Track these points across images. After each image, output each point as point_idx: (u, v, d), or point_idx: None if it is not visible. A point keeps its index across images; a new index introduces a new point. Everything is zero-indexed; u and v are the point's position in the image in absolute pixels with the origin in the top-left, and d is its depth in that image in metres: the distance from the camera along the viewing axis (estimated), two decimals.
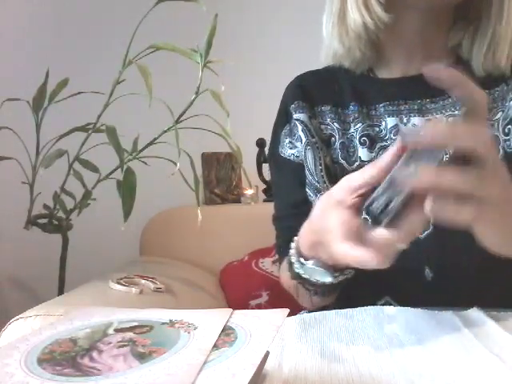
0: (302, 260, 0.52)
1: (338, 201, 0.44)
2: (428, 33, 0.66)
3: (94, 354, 0.31)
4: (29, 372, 0.29)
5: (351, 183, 0.43)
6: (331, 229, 0.43)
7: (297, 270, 0.52)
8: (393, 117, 0.67)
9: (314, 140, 0.69)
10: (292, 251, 0.54)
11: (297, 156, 0.71)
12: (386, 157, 0.40)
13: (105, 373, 0.29)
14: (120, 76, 1.20)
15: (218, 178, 1.68)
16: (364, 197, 0.43)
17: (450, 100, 0.66)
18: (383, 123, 0.68)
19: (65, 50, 1.82)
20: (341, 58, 0.71)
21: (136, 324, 0.37)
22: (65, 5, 1.85)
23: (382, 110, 0.68)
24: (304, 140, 0.69)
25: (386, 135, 0.67)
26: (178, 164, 1.07)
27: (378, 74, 0.72)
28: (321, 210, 0.46)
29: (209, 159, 1.68)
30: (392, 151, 0.40)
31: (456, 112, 0.65)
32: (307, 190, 0.69)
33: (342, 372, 0.37)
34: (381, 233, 0.40)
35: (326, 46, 0.72)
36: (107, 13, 1.84)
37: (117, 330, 0.35)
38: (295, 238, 0.54)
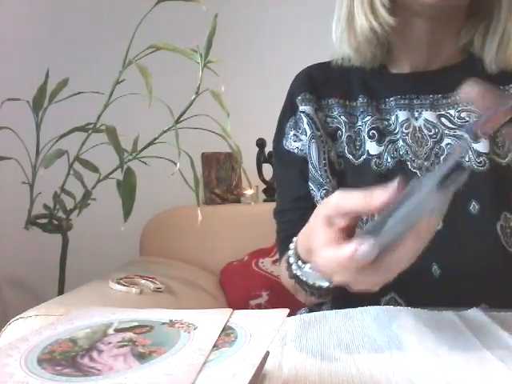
0: (299, 263, 0.52)
1: (326, 218, 0.42)
2: (437, 35, 0.66)
3: (94, 354, 0.31)
4: (29, 372, 0.29)
5: (342, 205, 0.41)
6: (316, 245, 0.41)
7: (294, 271, 0.52)
8: (404, 110, 0.67)
9: (318, 133, 0.69)
10: (290, 252, 0.54)
11: (301, 149, 0.71)
12: (383, 194, 0.37)
13: (105, 373, 0.29)
14: (120, 76, 1.21)
15: (218, 178, 1.68)
16: (352, 222, 0.41)
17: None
18: (393, 117, 0.68)
19: (65, 50, 1.82)
20: (352, 60, 0.71)
21: (136, 324, 0.37)
22: (65, 5, 1.85)
23: (393, 103, 0.68)
24: (309, 133, 0.69)
25: (395, 129, 0.67)
26: (178, 164, 1.07)
27: (389, 69, 0.72)
28: (312, 221, 0.45)
29: (209, 159, 1.68)
30: (390, 191, 0.37)
31: (468, 107, 0.65)
32: (310, 184, 0.69)
33: (342, 372, 0.37)
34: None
35: (336, 50, 0.72)
36: (107, 13, 1.84)
37: (117, 330, 0.35)
38: (294, 238, 0.54)
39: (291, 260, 0.53)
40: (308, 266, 0.50)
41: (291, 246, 0.54)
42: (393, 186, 0.37)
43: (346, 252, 0.37)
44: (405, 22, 0.65)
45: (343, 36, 0.69)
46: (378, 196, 0.37)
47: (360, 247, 0.36)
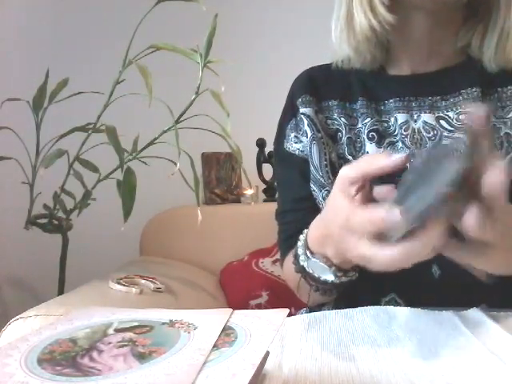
0: (308, 253, 0.52)
1: (341, 191, 0.44)
2: (437, 33, 0.66)
3: (94, 354, 0.31)
4: (29, 372, 0.29)
5: (350, 175, 0.43)
6: (345, 211, 0.42)
7: (302, 263, 0.53)
8: (403, 113, 0.67)
9: (319, 135, 0.69)
10: (300, 243, 0.54)
11: (302, 151, 0.71)
12: (389, 161, 0.40)
13: (105, 373, 0.29)
14: (120, 76, 1.20)
15: (218, 178, 1.68)
16: (364, 190, 0.43)
17: (460, 98, 0.66)
18: (392, 119, 0.68)
19: (65, 50, 1.82)
20: (352, 63, 0.71)
21: (136, 324, 0.37)
22: (65, 5, 1.85)
23: (392, 105, 0.68)
24: (310, 134, 0.69)
25: (395, 131, 0.67)
26: (178, 164, 1.07)
27: (388, 71, 0.72)
28: (329, 204, 0.47)
29: (209, 159, 1.68)
30: (397, 159, 0.40)
31: (467, 109, 0.65)
32: (312, 185, 0.69)
33: (342, 372, 0.37)
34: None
35: (336, 51, 0.72)
36: (107, 13, 1.84)
37: (117, 330, 0.35)
38: (305, 230, 0.54)
39: (299, 251, 0.53)
40: (316, 257, 0.51)
41: (301, 237, 0.54)
42: (399, 156, 0.39)
43: (381, 212, 0.38)
44: (404, 19, 0.65)
45: (343, 35, 0.69)
46: (382, 158, 0.40)
47: (393, 211, 0.37)
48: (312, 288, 0.56)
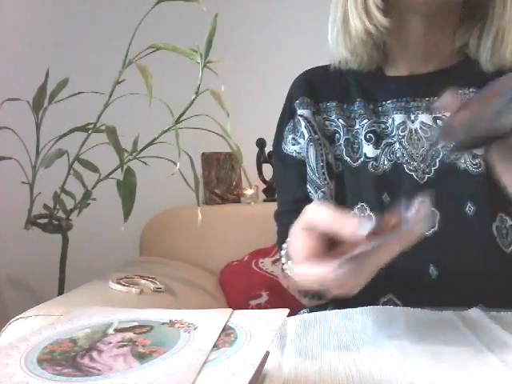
0: (289, 263, 0.52)
1: (306, 225, 0.42)
2: (433, 34, 0.66)
3: (94, 354, 0.31)
4: (29, 372, 0.29)
5: (314, 221, 0.41)
6: (295, 252, 0.42)
7: (286, 272, 0.53)
8: (400, 113, 0.67)
9: (316, 136, 0.69)
10: (283, 252, 0.54)
11: (299, 152, 0.71)
12: (356, 227, 0.36)
13: (105, 373, 0.29)
14: (120, 76, 1.20)
15: (218, 178, 1.68)
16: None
17: None
18: (389, 120, 0.68)
19: (65, 50, 1.82)
20: (349, 63, 0.71)
21: (136, 324, 0.37)
22: (65, 5, 1.85)
23: (390, 106, 0.68)
24: (307, 136, 0.69)
25: (392, 132, 0.67)
26: (178, 164, 1.07)
27: (385, 72, 0.72)
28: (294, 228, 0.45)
29: (209, 159, 1.68)
30: (361, 234, 0.36)
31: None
32: (308, 186, 0.69)
33: (342, 372, 0.37)
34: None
35: (333, 52, 0.72)
36: (107, 13, 1.84)
37: (117, 330, 0.35)
38: (288, 239, 0.54)
39: (283, 260, 0.53)
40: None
41: (284, 246, 0.54)
42: (368, 225, 0.36)
43: (322, 271, 0.37)
44: (400, 22, 0.65)
45: (339, 38, 0.69)
46: (351, 226, 0.37)
47: (337, 269, 0.36)
48: (301, 294, 0.56)
